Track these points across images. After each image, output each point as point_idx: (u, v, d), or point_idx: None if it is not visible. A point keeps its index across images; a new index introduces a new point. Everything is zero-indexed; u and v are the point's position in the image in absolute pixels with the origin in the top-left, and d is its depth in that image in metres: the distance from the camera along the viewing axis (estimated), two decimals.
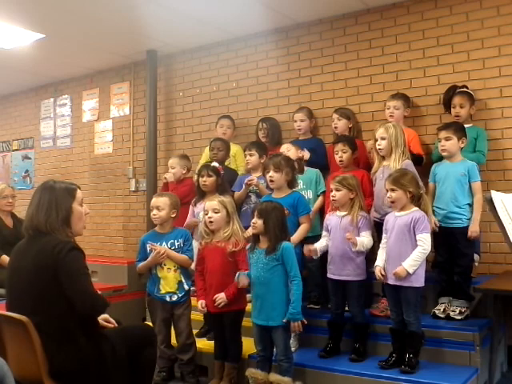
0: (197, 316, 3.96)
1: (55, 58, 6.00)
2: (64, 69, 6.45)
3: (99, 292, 2.59)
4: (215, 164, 4.32)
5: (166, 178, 4.77)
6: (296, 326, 3.16)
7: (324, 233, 3.67)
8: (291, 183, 3.75)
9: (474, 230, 3.53)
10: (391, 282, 3.30)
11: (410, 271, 3.16)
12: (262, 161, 4.23)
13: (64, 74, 6.71)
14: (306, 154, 4.27)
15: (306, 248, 3.59)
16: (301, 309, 3.19)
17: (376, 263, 3.38)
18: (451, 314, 3.57)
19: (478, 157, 3.86)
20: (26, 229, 2.62)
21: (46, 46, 5.46)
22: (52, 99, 7.13)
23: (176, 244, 3.74)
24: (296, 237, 3.61)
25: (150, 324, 3.73)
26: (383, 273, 3.32)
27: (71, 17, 4.78)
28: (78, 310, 2.45)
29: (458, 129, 3.65)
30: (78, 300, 2.44)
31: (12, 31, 5.05)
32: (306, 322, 3.23)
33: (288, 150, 4.16)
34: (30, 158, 7.42)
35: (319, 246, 3.62)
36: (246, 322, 3.54)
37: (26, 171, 7.45)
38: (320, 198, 4.13)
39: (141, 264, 3.76)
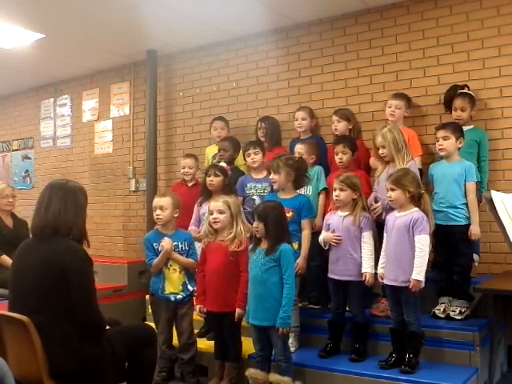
0: (197, 316, 3.95)
1: (55, 58, 6.00)
2: (64, 69, 6.45)
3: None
4: (223, 164, 4.30)
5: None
6: (284, 330, 3.15)
7: (324, 233, 3.65)
8: (296, 183, 3.74)
9: (474, 232, 3.52)
10: (390, 282, 3.30)
11: (421, 278, 3.16)
12: (263, 160, 4.23)
13: (64, 74, 6.71)
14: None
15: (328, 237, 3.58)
16: (291, 313, 3.19)
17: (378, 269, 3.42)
18: (451, 313, 3.57)
19: (484, 166, 3.93)
20: (44, 228, 2.55)
21: (45, 46, 5.46)
22: (52, 99, 7.13)
23: (180, 246, 3.73)
24: (304, 250, 3.61)
25: (151, 324, 3.73)
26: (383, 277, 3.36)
27: (71, 17, 4.78)
28: (76, 316, 2.46)
29: (455, 128, 3.65)
30: (81, 310, 2.45)
31: (12, 31, 5.05)
32: (289, 331, 3.24)
33: (301, 149, 4.18)
34: (30, 158, 7.42)
35: (327, 236, 3.60)
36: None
37: (26, 171, 7.45)
38: (321, 197, 4.10)
39: (154, 261, 3.69)
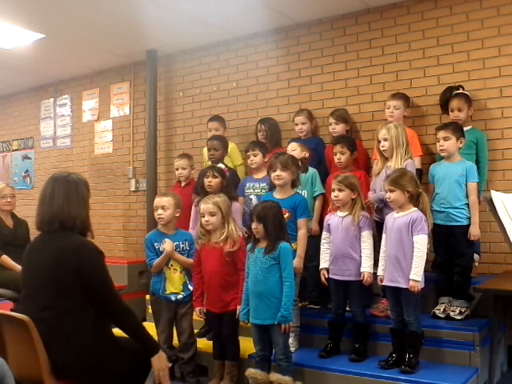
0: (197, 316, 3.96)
1: (55, 58, 6.01)
2: (64, 69, 6.45)
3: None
4: (221, 165, 4.30)
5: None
6: (286, 327, 3.17)
7: (325, 234, 3.66)
8: (295, 182, 3.74)
9: (474, 233, 3.53)
10: (390, 283, 3.30)
11: (419, 279, 3.17)
12: (265, 160, 4.23)
13: (64, 74, 6.72)
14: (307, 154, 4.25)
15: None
16: (292, 310, 3.21)
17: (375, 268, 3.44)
18: (451, 314, 3.57)
19: (482, 168, 3.91)
20: (50, 222, 2.52)
21: (46, 45, 5.46)
22: (52, 99, 7.13)
23: (181, 246, 3.73)
24: (300, 250, 3.59)
25: (151, 324, 3.73)
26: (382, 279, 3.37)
27: (71, 17, 4.78)
28: (108, 314, 2.52)
29: (456, 129, 3.65)
30: (111, 305, 2.53)
31: (12, 31, 5.05)
32: (290, 328, 3.25)
33: (293, 149, 4.14)
34: (30, 158, 7.42)
35: (326, 266, 3.62)
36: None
37: (26, 171, 7.45)
38: (318, 202, 4.10)
39: (155, 262, 3.69)
